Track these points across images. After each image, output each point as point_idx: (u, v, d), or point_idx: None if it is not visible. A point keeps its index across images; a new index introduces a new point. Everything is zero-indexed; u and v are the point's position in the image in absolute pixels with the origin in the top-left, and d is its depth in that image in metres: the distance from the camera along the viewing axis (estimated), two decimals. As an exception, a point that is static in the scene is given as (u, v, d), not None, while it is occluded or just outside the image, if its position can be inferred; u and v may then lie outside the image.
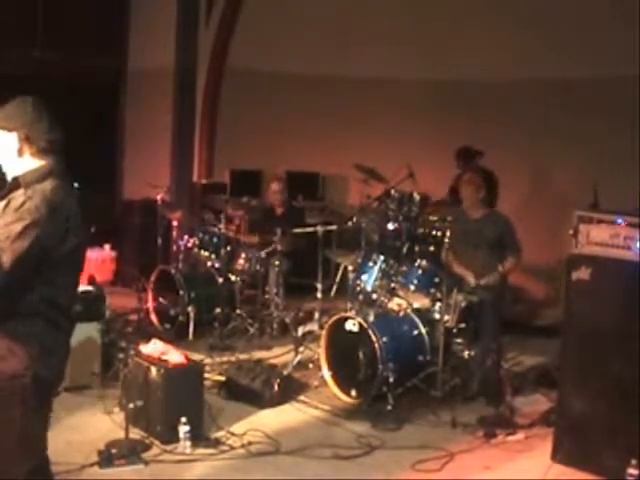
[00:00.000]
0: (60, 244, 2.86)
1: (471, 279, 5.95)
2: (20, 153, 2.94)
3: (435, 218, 6.23)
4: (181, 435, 4.61)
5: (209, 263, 7.33)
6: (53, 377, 3.02)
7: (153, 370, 4.76)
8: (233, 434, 4.86)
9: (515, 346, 6.70)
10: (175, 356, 4.92)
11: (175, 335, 6.77)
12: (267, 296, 7.33)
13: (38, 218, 2.78)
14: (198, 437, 4.70)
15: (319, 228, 6.62)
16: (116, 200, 10.17)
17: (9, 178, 2.97)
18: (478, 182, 6.27)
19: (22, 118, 2.95)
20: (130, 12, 10.18)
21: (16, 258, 2.73)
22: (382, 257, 6.01)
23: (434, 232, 6.21)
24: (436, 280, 5.78)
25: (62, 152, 3.01)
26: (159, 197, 7.83)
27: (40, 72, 8.87)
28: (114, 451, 4.48)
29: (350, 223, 6.76)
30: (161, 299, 7.20)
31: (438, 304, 5.72)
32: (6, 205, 2.86)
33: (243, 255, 7.23)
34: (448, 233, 5.70)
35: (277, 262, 7.12)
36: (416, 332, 5.71)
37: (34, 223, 2.77)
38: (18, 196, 2.85)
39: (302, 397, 5.61)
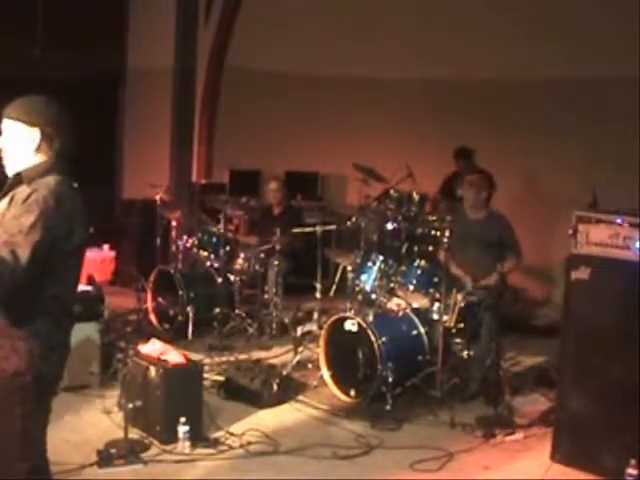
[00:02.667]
0: (67, 238, 2.85)
1: (468, 282, 5.95)
2: (35, 149, 2.93)
3: (434, 218, 6.23)
4: (180, 435, 4.60)
5: (208, 263, 7.33)
6: (54, 376, 3.02)
7: (152, 370, 4.76)
8: (232, 434, 4.86)
9: (514, 346, 6.69)
10: (174, 356, 4.92)
11: (174, 335, 6.77)
12: (266, 296, 7.32)
13: (46, 209, 2.76)
14: (197, 437, 4.69)
15: (318, 228, 6.61)
16: (115, 200, 10.16)
17: (9, 173, 2.95)
18: (480, 183, 6.28)
19: (48, 116, 2.95)
20: (129, 12, 10.19)
21: (32, 251, 2.70)
22: (381, 257, 6.01)
23: (433, 232, 6.21)
24: (435, 280, 5.78)
25: (70, 153, 3.02)
26: (158, 197, 7.83)
27: (40, 72, 8.87)
28: (113, 451, 4.48)
29: (349, 223, 6.77)
30: (160, 299, 7.20)
31: (437, 304, 5.72)
32: (10, 201, 2.85)
33: (242, 255, 7.24)
34: (447, 233, 5.69)
35: (276, 262, 7.12)
36: (415, 332, 5.71)
37: (43, 214, 2.75)
38: (22, 190, 2.84)
39: (301, 397, 5.61)
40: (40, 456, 3.02)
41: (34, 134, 2.93)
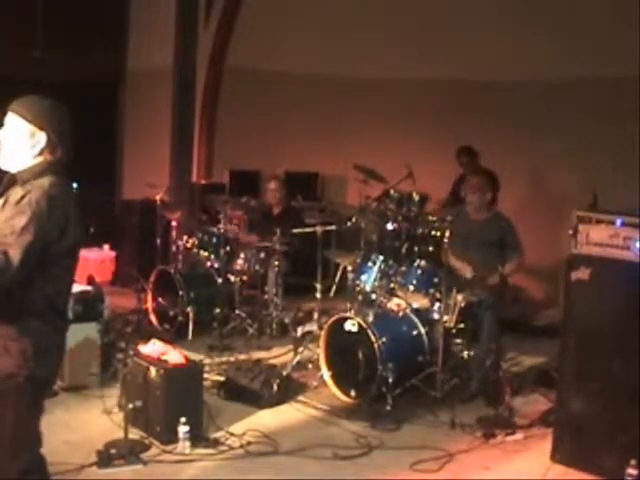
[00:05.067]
0: (59, 239, 2.85)
1: (468, 272, 5.94)
2: (37, 153, 2.93)
3: (434, 218, 6.22)
4: (180, 435, 4.60)
5: (208, 263, 7.32)
6: (48, 377, 3.02)
7: (152, 370, 4.76)
8: (232, 434, 4.86)
9: (514, 346, 6.69)
10: (174, 356, 4.92)
11: (174, 335, 6.77)
12: (266, 296, 7.32)
13: (39, 211, 2.76)
14: (197, 437, 4.69)
15: (318, 228, 6.61)
16: (115, 200, 10.17)
17: (1, 166, 2.95)
18: (484, 186, 6.27)
19: (55, 122, 2.96)
20: (129, 12, 10.20)
21: (24, 252, 2.70)
22: (381, 257, 6.01)
23: (433, 232, 6.21)
24: (435, 280, 5.78)
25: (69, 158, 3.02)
26: (158, 197, 7.83)
27: (40, 72, 8.87)
28: (113, 451, 4.48)
29: (349, 223, 6.76)
30: (160, 299, 7.20)
31: (437, 304, 5.72)
32: (4, 202, 2.85)
33: (242, 255, 7.23)
34: (447, 233, 5.69)
35: (276, 262, 7.12)
36: (415, 332, 5.71)
37: (35, 216, 2.75)
38: (15, 192, 2.84)
39: (301, 397, 5.61)
40: (33, 456, 3.01)
41: (40, 138, 2.93)
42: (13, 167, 2.94)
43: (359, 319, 5.51)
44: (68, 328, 3.10)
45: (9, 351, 2.84)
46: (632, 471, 4.10)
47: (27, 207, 2.76)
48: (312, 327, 6.65)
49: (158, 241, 7.89)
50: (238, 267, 7.22)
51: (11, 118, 2.96)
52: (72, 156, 3.00)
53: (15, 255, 2.69)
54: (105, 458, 4.42)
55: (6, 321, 2.84)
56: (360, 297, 6.11)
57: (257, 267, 7.21)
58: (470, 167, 8.09)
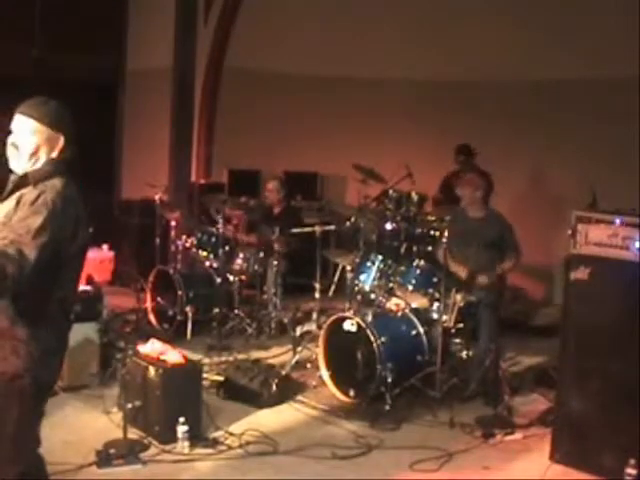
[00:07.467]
0: (71, 240, 2.87)
1: (463, 273, 5.93)
2: (55, 154, 2.94)
3: (433, 218, 6.23)
4: (179, 435, 4.60)
5: (207, 263, 7.32)
6: (51, 380, 3.03)
7: (151, 370, 4.76)
8: (231, 434, 4.86)
9: (513, 346, 6.69)
10: (173, 356, 4.92)
11: (173, 335, 6.77)
12: (265, 296, 7.33)
13: (54, 211, 2.77)
14: (196, 437, 4.69)
15: (317, 228, 6.61)
16: (114, 200, 10.16)
17: (17, 170, 2.95)
18: (477, 182, 6.28)
19: (68, 123, 2.99)
20: (128, 12, 10.19)
21: (39, 251, 2.70)
22: (380, 257, 6.01)
23: (432, 232, 6.21)
24: (434, 280, 5.78)
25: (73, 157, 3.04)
26: (157, 197, 7.83)
27: (39, 72, 8.87)
28: (112, 451, 4.48)
29: (348, 223, 6.76)
30: (159, 299, 7.20)
31: (436, 304, 5.72)
32: (17, 201, 2.84)
33: (241, 255, 7.23)
34: (446, 233, 5.69)
35: (275, 262, 7.12)
36: (414, 332, 5.71)
37: (51, 216, 2.76)
38: (29, 192, 2.84)
39: (300, 397, 5.61)
40: (33, 456, 3.01)
41: (59, 140, 2.95)
42: (26, 169, 2.93)
43: (358, 319, 5.51)
44: (71, 329, 3.11)
45: (17, 353, 2.84)
46: (631, 471, 4.11)
47: (43, 207, 2.77)
48: (311, 327, 6.66)
49: (157, 241, 7.89)
50: (237, 267, 7.22)
51: (25, 121, 2.93)
52: (76, 154, 3.02)
53: (30, 253, 2.69)
54: (104, 458, 4.42)
55: (21, 324, 2.84)
56: (359, 297, 6.11)
57: (256, 267, 7.21)
58: (466, 166, 8.10)
